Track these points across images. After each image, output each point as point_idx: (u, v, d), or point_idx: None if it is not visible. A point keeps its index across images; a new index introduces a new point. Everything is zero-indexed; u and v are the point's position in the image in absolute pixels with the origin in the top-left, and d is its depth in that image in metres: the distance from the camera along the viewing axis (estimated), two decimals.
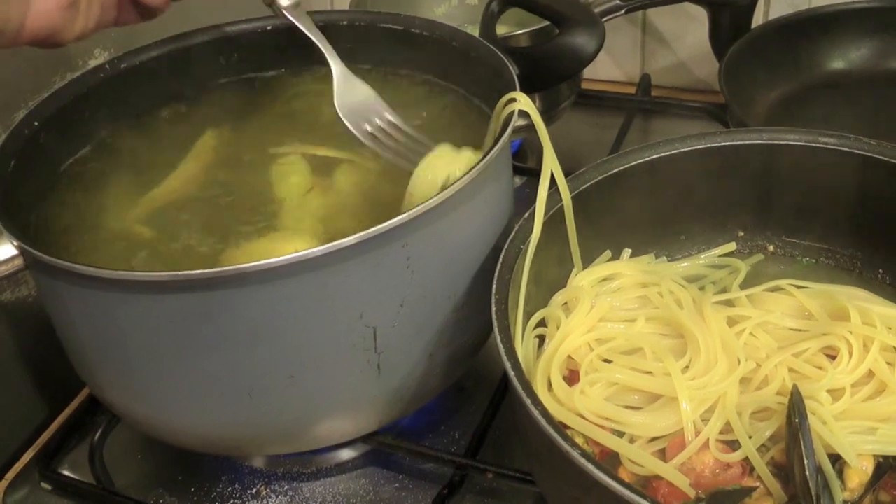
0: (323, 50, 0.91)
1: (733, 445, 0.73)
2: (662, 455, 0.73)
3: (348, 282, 0.72)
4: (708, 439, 0.72)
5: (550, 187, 0.82)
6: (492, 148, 0.77)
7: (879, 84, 1.22)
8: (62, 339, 0.84)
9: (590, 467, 0.61)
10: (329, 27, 1.00)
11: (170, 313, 0.72)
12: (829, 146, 0.87)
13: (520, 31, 1.15)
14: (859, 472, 0.70)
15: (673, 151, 0.89)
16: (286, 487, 0.91)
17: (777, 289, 0.86)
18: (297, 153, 0.93)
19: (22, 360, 1.01)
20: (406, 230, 0.72)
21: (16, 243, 0.74)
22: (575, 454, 0.61)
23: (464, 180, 0.73)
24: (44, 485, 0.94)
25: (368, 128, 0.88)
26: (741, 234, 0.94)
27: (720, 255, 0.94)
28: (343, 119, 0.88)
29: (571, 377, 0.78)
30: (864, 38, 1.23)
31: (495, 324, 0.71)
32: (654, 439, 0.74)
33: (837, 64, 1.24)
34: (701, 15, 1.25)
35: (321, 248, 0.68)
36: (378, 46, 1.01)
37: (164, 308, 0.72)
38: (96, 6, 0.78)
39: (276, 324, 0.72)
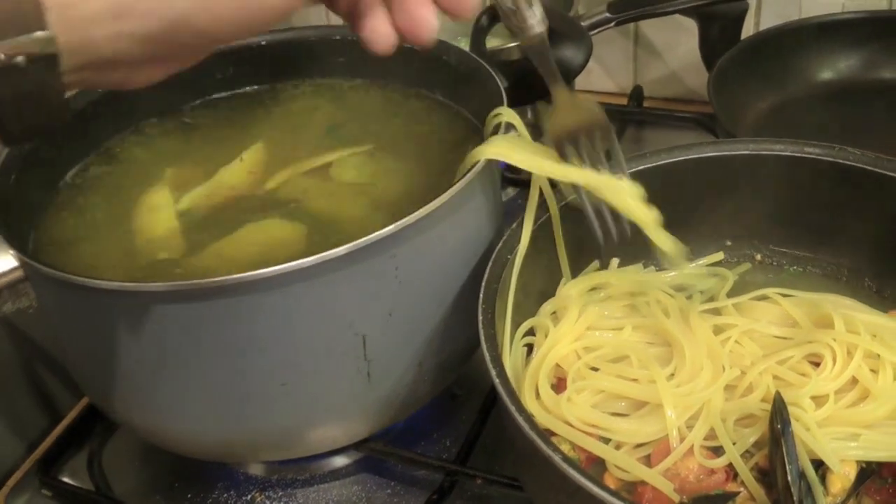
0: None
1: (718, 451, 0.74)
2: (648, 461, 0.74)
3: (338, 291, 0.73)
4: (693, 445, 0.73)
5: (539, 198, 0.83)
6: (476, 161, 0.78)
7: (867, 94, 1.23)
8: (61, 349, 0.85)
9: (571, 472, 0.62)
10: (323, 42, 1.02)
11: (164, 323, 0.73)
12: (813, 156, 0.88)
13: (512, 44, 1.16)
14: (842, 477, 0.71)
15: (660, 162, 0.90)
16: (281, 494, 0.92)
17: (763, 297, 0.87)
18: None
19: (23, 369, 1.03)
20: (393, 241, 0.73)
21: (15, 255, 0.75)
22: (557, 459, 0.62)
23: (449, 193, 0.74)
24: (44, 491, 0.96)
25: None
26: (729, 243, 0.96)
27: (708, 265, 0.94)
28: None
29: (560, 385, 0.80)
30: (852, 48, 1.24)
31: (481, 332, 0.73)
32: (639, 445, 0.75)
33: (826, 74, 1.25)
34: (693, 26, 1.26)
35: (311, 258, 0.69)
36: (371, 61, 1.02)
37: (159, 318, 0.73)
38: None
39: (268, 333, 0.74)
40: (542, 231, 0.85)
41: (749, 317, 0.84)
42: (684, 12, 1.22)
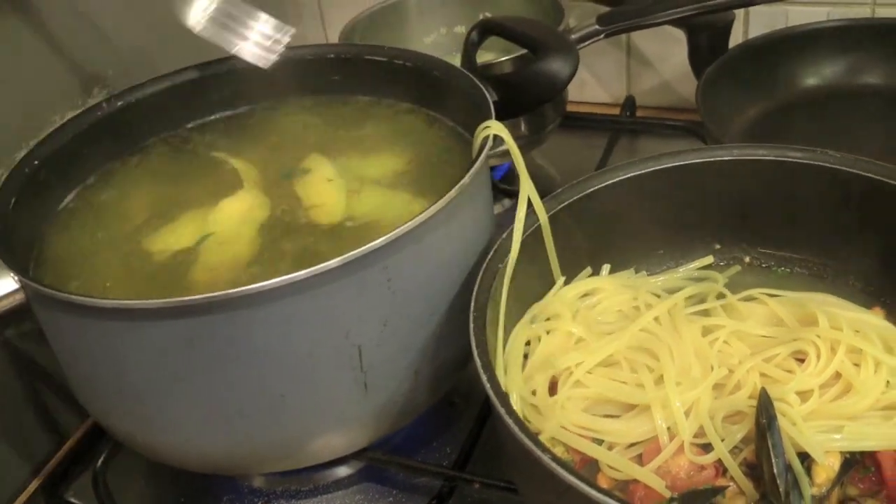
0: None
1: (707, 448, 0.75)
2: (640, 460, 0.76)
3: (332, 303, 0.75)
4: (683, 443, 0.75)
5: (528, 207, 0.85)
6: (466, 173, 0.80)
7: (853, 98, 1.24)
8: (64, 369, 0.87)
9: (561, 471, 0.63)
10: (318, 60, 1.05)
11: (164, 339, 0.75)
12: (796, 160, 0.90)
13: (503, 58, 1.18)
14: (826, 468, 0.72)
15: (647, 170, 0.91)
16: None
17: (750, 298, 0.88)
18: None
19: (27, 391, 1.04)
20: (385, 253, 0.74)
21: (17, 278, 0.77)
22: (546, 459, 0.64)
23: (438, 205, 0.76)
24: None
25: None
26: (718, 246, 0.97)
27: (698, 268, 0.96)
28: None
29: (553, 388, 0.81)
30: (838, 55, 1.25)
31: (472, 340, 0.74)
32: (631, 445, 0.77)
33: (812, 81, 1.27)
34: (684, 37, 1.28)
35: (304, 272, 0.71)
36: (365, 78, 1.05)
37: (158, 334, 0.75)
38: None
39: (264, 346, 0.75)
40: (534, 239, 0.86)
41: (737, 317, 0.86)
42: (673, 23, 1.24)
